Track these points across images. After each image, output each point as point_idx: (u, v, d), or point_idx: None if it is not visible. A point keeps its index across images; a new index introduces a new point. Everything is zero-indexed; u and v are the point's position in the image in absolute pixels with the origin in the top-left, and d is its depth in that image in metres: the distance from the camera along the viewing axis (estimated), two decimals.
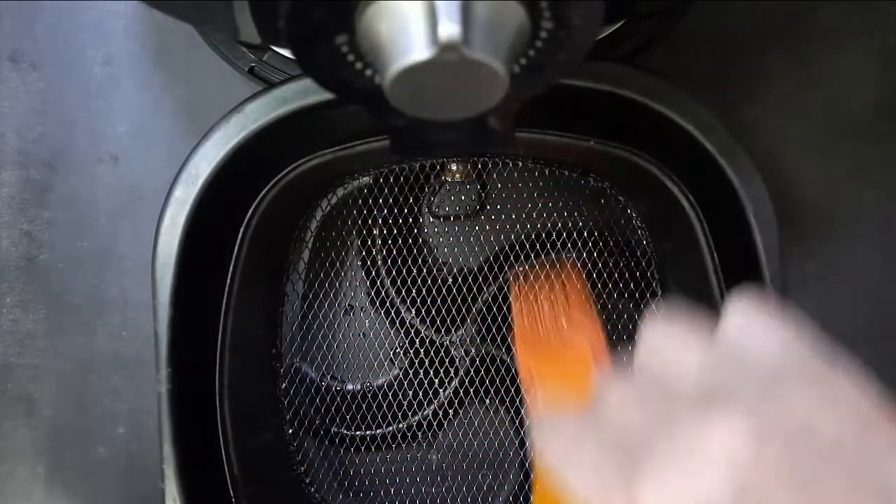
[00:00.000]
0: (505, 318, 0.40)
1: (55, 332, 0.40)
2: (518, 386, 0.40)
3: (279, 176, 0.35)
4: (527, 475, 0.40)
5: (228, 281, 0.35)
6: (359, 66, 0.22)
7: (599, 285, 0.40)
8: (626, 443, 0.19)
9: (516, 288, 0.36)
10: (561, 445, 0.21)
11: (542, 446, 0.22)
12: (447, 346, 0.40)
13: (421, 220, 0.41)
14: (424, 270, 0.40)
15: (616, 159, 0.36)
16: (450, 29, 0.19)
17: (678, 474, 0.17)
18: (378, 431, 0.40)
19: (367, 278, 0.41)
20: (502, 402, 0.41)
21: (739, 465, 0.16)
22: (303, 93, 0.31)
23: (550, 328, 0.34)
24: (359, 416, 0.40)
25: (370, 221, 0.40)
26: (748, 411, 0.17)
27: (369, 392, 0.41)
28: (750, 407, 0.17)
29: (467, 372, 0.40)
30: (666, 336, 0.21)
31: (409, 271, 0.40)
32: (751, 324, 0.20)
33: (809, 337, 0.19)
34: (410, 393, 0.40)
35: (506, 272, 0.40)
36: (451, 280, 0.40)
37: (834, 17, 0.40)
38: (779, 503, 0.16)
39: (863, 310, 0.41)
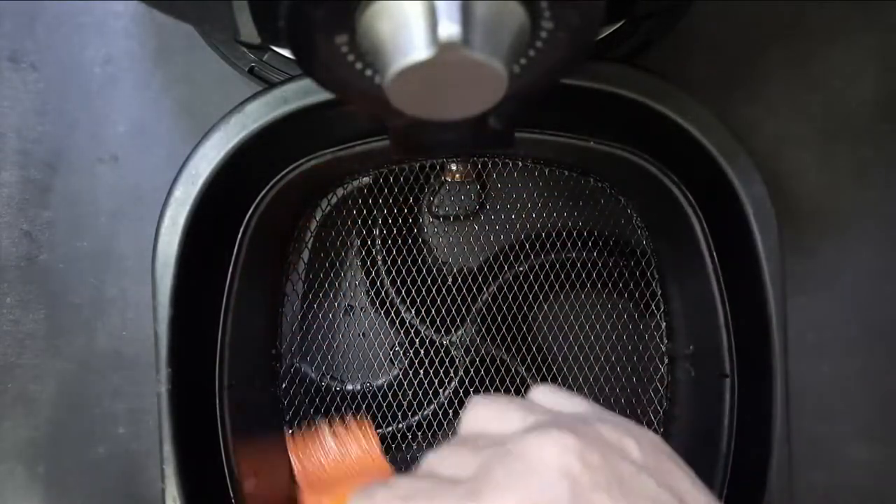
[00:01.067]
0: (505, 319, 0.40)
1: (55, 332, 0.40)
2: (518, 386, 0.40)
3: (279, 176, 0.35)
4: None
5: (228, 281, 0.35)
6: (359, 66, 0.22)
7: (599, 285, 0.40)
8: (451, 485, 0.21)
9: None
10: None
11: None
12: (447, 346, 0.40)
13: (421, 220, 0.41)
14: (424, 270, 0.40)
15: (616, 159, 0.36)
16: (450, 29, 0.19)
17: (518, 488, 0.19)
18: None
19: (367, 278, 0.41)
20: None
21: (572, 471, 0.19)
22: (303, 93, 0.31)
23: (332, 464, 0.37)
24: (359, 416, 0.40)
25: (370, 221, 0.40)
26: (572, 432, 0.20)
27: (369, 392, 0.41)
28: (573, 430, 0.20)
29: (467, 372, 0.40)
30: (487, 404, 0.24)
31: (409, 271, 0.40)
32: (554, 392, 0.25)
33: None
34: (410, 393, 0.40)
35: (506, 272, 0.40)
36: (451, 280, 0.40)
37: (834, 17, 0.40)
38: (604, 501, 0.19)
39: (863, 310, 0.41)
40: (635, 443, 0.21)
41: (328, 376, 0.41)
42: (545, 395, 0.25)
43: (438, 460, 0.23)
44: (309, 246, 0.40)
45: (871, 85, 0.40)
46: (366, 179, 0.40)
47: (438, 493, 0.20)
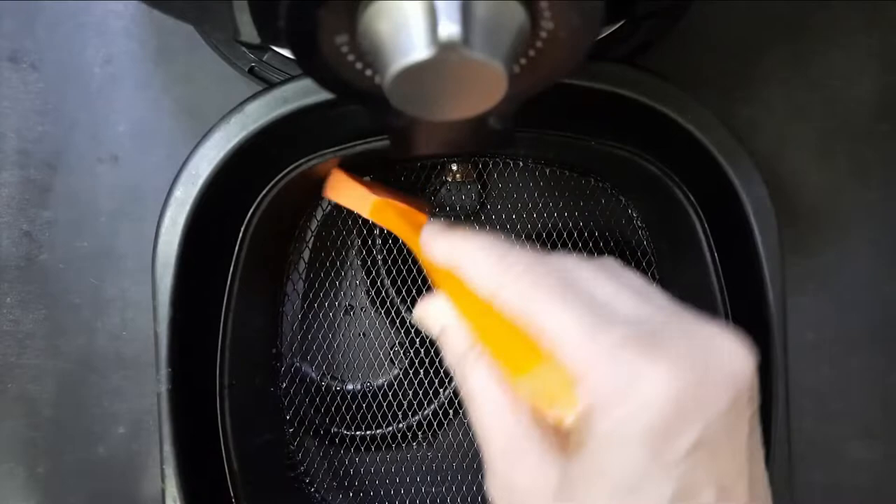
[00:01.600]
0: None
1: (55, 332, 0.40)
2: None
3: (279, 176, 0.35)
4: None
5: (228, 281, 0.35)
6: (359, 66, 0.22)
7: None
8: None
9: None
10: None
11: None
12: None
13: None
14: (424, 270, 0.40)
15: (616, 159, 0.36)
16: (450, 29, 0.19)
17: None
18: (378, 431, 0.40)
19: (367, 278, 0.41)
20: None
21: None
22: (303, 93, 0.31)
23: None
24: (359, 416, 0.40)
25: (370, 221, 0.40)
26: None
27: (369, 392, 0.41)
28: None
29: None
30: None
31: (409, 271, 0.40)
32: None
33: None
34: (410, 393, 0.40)
35: None
36: None
37: (834, 17, 0.40)
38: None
39: (863, 310, 0.41)
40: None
41: (328, 376, 0.41)
42: None
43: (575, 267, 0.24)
44: (309, 246, 0.40)
45: (871, 85, 0.40)
46: (366, 179, 0.40)
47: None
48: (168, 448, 0.31)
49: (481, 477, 0.40)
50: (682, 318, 0.22)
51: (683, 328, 0.21)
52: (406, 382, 0.41)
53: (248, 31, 0.23)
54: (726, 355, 0.20)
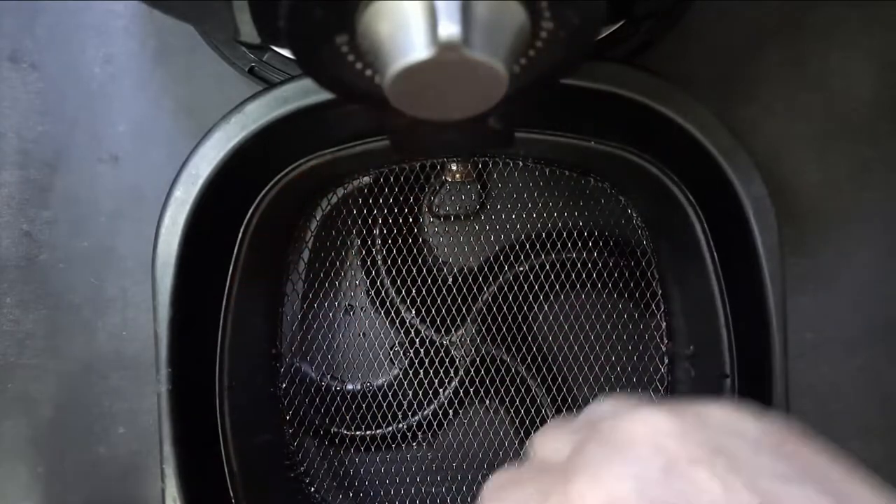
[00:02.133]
0: (505, 318, 0.40)
1: (55, 332, 0.40)
2: (518, 386, 0.40)
3: (279, 176, 0.35)
4: None
5: (228, 281, 0.35)
6: (359, 66, 0.22)
7: (599, 285, 0.40)
8: (554, 466, 0.21)
9: None
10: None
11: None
12: (447, 346, 0.40)
13: (421, 220, 0.41)
14: (424, 270, 0.40)
15: (616, 159, 0.36)
16: (450, 29, 0.19)
17: (610, 464, 0.18)
18: (378, 431, 0.40)
19: (367, 278, 0.41)
20: (502, 402, 0.41)
21: (666, 446, 0.18)
22: (303, 93, 0.31)
23: None
24: (359, 416, 0.40)
25: (370, 221, 0.40)
26: (668, 410, 0.19)
27: (369, 392, 0.41)
28: (670, 409, 0.19)
29: (467, 372, 0.40)
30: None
31: (409, 271, 0.40)
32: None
33: None
34: (410, 393, 0.40)
35: (506, 272, 0.40)
36: (451, 280, 0.40)
37: (834, 17, 0.40)
38: (700, 476, 0.17)
39: (863, 310, 0.41)
40: (755, 423, 0.19)
41: (328, 376, 0.41)
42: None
43: (541, 441, 0.23)
44: (309, 246, 0.40)
45: (871, 85, 0.40)
46: (366, 179, 0.40)
47: (538, 477, 0.21)
48: (168, 448, 0.31)
49: (481, 477, 0.41)
50: None
51: None
52: (406, 382, 0.41)
53: (248, 31, 0.23)
54: None
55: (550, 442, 0.23)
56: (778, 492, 0.17)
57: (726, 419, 0.19)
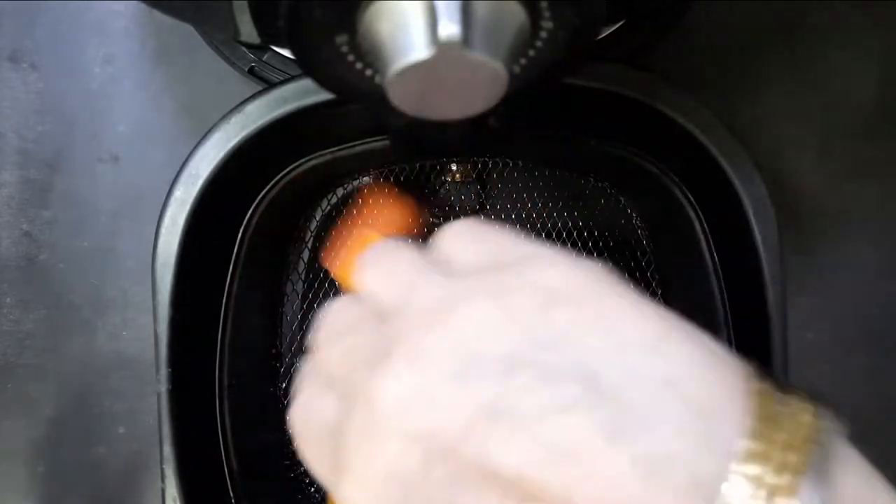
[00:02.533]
0: None
1: (55, 332, 0.40)
2: None
3: (279, 176, 0.35)
4: None
5: (228, 281, 0.35)
6: (359, 66, 0.22)
7: None
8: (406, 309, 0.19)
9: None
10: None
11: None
12: None
13: (421, 220, 0.41)
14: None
15: (616, 159, 0.36)
16: (450, 29, 0.19)
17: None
18: None
19: None
20: None
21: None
22: (303, 93, 0.31)
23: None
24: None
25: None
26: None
27: None
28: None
29: None
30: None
31: None
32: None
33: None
34: None
35: None
36: None
37: (834, 17, 0.40)
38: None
39: (863, 310, 0.41)
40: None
41: None
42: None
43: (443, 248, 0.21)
44: (309, 246, 0.40)
45: (871, 85, 0.40)
46: (366, 179, 0.40)
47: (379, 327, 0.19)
48: (168, 448, 0.31)
49: None
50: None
51: None
52: None
53: (248, 31, 0.23)
54: None
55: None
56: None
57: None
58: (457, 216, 0.41)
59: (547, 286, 0.17)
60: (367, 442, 0.17)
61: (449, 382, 0.16)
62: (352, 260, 0.23)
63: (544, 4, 0.20)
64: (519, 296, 0.17)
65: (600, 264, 0.19)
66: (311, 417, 0.19)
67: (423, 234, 0.41)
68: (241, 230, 0.35)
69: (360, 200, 0.36)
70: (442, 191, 0.41)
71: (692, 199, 0.35)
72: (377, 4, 0.20)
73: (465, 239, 0.20)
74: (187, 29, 0.38)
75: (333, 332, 0.20)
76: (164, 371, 0.31)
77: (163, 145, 0.40)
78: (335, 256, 0.32)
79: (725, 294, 0.35)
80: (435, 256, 0.20)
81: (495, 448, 0.15)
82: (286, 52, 0.36)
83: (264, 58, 0.37)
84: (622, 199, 0.40)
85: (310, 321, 0.40)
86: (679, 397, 0.15)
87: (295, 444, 0.20)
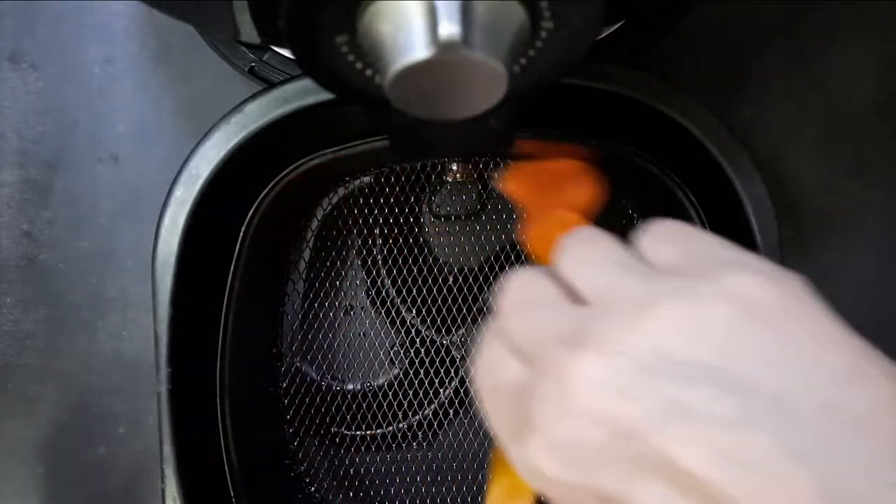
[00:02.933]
0: None
1: (55, 332, 0.40)
2: None
3: (279, 176, 0.35)
4: None
5: (229, 281, 0.35)
6: (359, 66, 0.22)
7: None
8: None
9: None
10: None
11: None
12: (447, 346, 0.40)
13: (421, 220, 0.41)
14: (425, 270, 0.40)
15: (616, 159, 0.36)
16: (450, 29, 0.19)
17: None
18: (378, 431, 0.40)
19: (368, 278, 0.41)
20: None
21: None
22: (303, 93, 0.31)
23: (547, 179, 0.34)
24: (359, 416, 0.40)
25: (370, 221, 0.40)
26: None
27: (369, 392, 0.41)
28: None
29: (467, 372, 0.40)
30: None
31: (410, 271, 0.40)
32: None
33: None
34: (410, 393, 0.40)
35: (506, 272, 0.40)
36: (451, 280, 0.40)
37: (834, 17, 0.40)
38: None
39: (863, 310, 0.41)
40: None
41: (328, 376, 0.41)
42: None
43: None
44: (309, 246, 0.40)
45: (871, 85, 0.40)
46: (366, 179, 0.40)
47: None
48: (168, 448, 0.31)
49: (481, 477, 0.41)
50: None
51: None
52: (406, 382, 0.41)
53: (248, 31, 0.23)
54: None
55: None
56: None
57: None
58: (457, 216, 0.41)
59: (744, 297, 0.18)
60: (555, 412, 0.18)
61: (641, 375, 0.17)
62: (552, 238, 0.24)
63: (544, 4, 0.20)
64: (715, 304, 0.17)
65: (801, 278, 0.19)
66: (494, 375, 0.21)
67: (419, 236, 0.41)
68: (241, 230, 0.35)
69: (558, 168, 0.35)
70: (442, 191, 0.41)
71: (692, 199, 0.35)
72: (377, 4, 0.20)
73: (668, 238, 0.21)
74: (187, 29, 0.38)
75: (523, 301, 0.21)
76: (164, 371, 0.31)
77: (163, 145, 0.40)
78: (532, 230, 0.32)
79: None
80: (635, 252, 0.21)
81: (679, 444, 0.16)
82: (286, 52, 0.36)
83: (264, 58, 0.37)
84: (622, 199, 0.40)
85: (310, 321, 0.40)
86: (872, 437, 0.16)
87: (476, 397, 0.22)
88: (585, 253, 0.22)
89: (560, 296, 0.21)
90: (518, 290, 0.22)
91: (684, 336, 0.17)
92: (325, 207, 0.40)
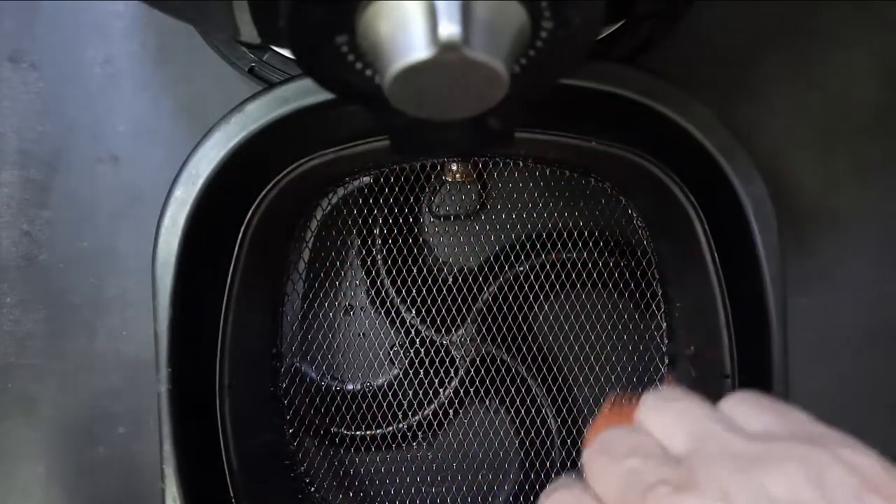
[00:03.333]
0: (505, 318, 0.40)
1: (55, 332, 0.40)
2: (518, 386, 0.40)
3: (279, 176, 0.35)
4: (527, 475, 0.40)
5: (228, 281, 0.35)
6: (359, 66, 0.22)
7: (599, 285, 0.40)
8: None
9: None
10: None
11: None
12: (447, 346, 0.40)
13: (421, 219, 0.41)
14: (424, 270, 0.40)
15: (616, 159, 0.36)
16: (450, 29, 0.19)
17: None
18: (378, 431, 0.40)
19: (367, 278, 0.41)
20: (502, 402, 0.41)
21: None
22: (303, 93, 0.31)
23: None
24: (359, 416, 0.40)
25: (370, 221, 0.40)
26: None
27: (369, 392, 0.41)
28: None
29: (467, 372, 0.40)
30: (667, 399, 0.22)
31: (409, 271, 0.40)
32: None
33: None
34: (410, 393, 0.40)
35: (506, 272, 0.40)
36: (451, 280, 0.41)
37: (834, 17, 0.40)
38: None
39: (863, 310, 0.41)
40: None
41: (328, 376, 0.41)
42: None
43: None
44: (309, 246, 0.40)
45: (871, 85, 0.40)
46: (366, 179, 0.40)
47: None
48: (168, 448, 0.31)
49: (481, 477, 0.41)
50: None
51: None
52: (406, 382, 0.41)
53: (248, 31, 0.23)
54: None
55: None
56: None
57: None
58: (457, 216, 0.41)
59: (862, 471, 0.18)
60: None
61: None
62: (627, 408, 0.23)
63: (544, 4, 0.20)
64: (835, 473, 0.18)
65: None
66: None
67: (418, 236, 0.41)
68: (241, 230, 0.35)
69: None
70: (442, 191, 0.41)
71: (692, 199, 0.35)
72: (377, 4, 0.20)
73: (753, 407, 0.21)
74: (187, 29, 0.38)
75: (613, 451, 0.21)
76: (164, 371, 0.31)
77: (163, 145, 0.40)
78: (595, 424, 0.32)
79: (725, 294, 0.35)
80: (718, 415, 0.21)
81: None
82: (286, 52, 0.36)
83: (264, 58, 0.37)
84: (622, 199, 0.40)
85: (310, 321, 0.40)
86: None
87: None
88: (674, 410, 0.21)
89: (654, 449, 0.20)
90: (607, 441, 0.21)
91: (800, 498, 0.17)
92: (324, 208, 0.40)
